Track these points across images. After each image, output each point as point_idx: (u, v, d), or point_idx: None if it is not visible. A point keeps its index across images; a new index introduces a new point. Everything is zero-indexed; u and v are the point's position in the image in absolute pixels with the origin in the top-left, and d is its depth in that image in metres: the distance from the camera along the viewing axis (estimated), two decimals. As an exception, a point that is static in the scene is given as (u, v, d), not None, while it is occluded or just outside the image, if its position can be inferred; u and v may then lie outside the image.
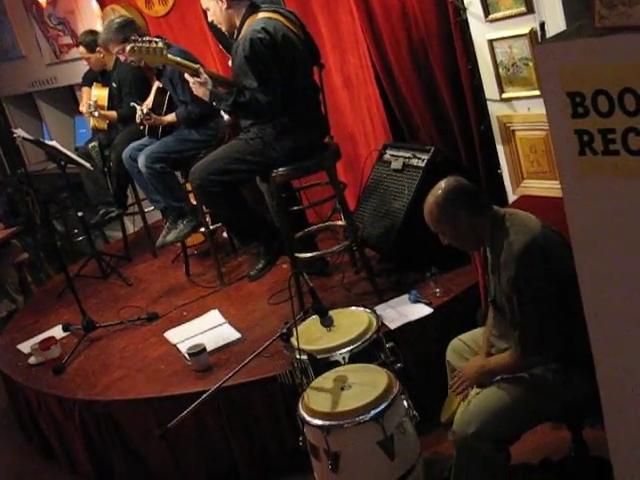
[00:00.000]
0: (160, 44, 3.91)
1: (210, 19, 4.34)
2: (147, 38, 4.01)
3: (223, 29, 4.31)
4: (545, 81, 1.97)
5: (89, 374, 4.54)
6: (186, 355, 4.24)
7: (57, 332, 5.16)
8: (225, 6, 4.16)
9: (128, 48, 3.93)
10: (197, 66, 4.08)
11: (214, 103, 4.06)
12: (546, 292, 2.77)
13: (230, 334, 4.47)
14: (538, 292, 2.77)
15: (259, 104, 4.00)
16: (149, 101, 5.37)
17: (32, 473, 4.70)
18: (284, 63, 4.07)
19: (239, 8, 4.18)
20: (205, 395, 3.24)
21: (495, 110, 4.16)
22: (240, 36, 4.13)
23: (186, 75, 4.10)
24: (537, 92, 3.85)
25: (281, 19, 4.15)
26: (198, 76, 4.03)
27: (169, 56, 4.00)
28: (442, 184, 2.91)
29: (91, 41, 6.03)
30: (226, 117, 5.29)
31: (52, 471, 4.66)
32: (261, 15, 4.13)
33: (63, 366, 4.66)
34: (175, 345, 4.54)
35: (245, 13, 4.18)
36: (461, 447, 2.92)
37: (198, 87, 4.06)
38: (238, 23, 4.20)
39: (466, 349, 3.29)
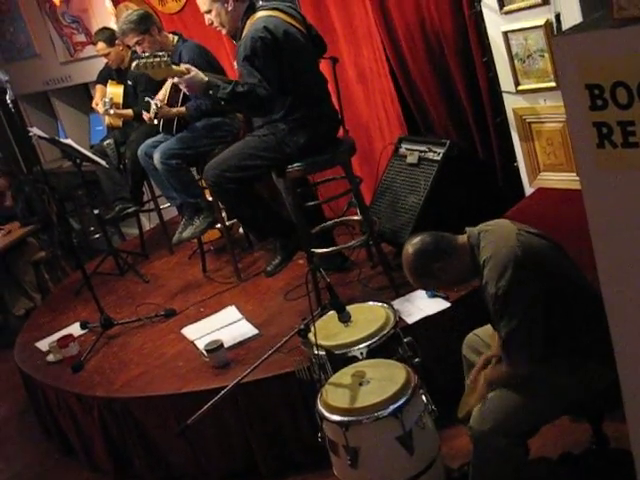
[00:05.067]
0: (165, 57, 3.88)
1: (208, 22, 4.29)
2: (150, 53, 4.00)
3: (224, 32, 4.28)
4: (563, 73, 1.95)
5: (107, 371, 4.55)
6: (204, 351, 4.25)
7: (75, 330, 5.18)
8: (231, 7, 4.15)
9: (133, 65, 3.93)
10: (185, 67, 4.02)
11: (210, 92, 3.99)
12: (529, 300, 2.77)
13: (247, 330, 4.47)
14: (520, 303, 2.77)
15: (258, 97, 3.96)
16: (163, 96, 5.37)
17: (52, 470, 4.73)
18: (288, 60, 4.05)
19: (242, 8, 4.17)
20: (224, 391, 3.24)
21: (511, 102, 4.14)
22: (242, 36, 4.12)
23: (175, 79, 4.06)
24: (553, 84, 3.84)
25: (281, 15, 4.14)
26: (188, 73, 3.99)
27: (174, 67, 3.97)
28: (408, 250, 2.98)
29: (110, 35, 6.06)
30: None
31: (72, 468, 4.68)
32: (261, 14, 4.12)
33: (81, 363, 4.68)
34: (193, 342, 4.55)
35: (245, 13, 4.18)
36: (478, 443, 2.92)
37: (190, 83, 3.98)
38: (240, 24, 4.20)
39: (481, 343, 3.28)
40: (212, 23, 4.27)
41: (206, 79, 3.96)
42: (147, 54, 3.99)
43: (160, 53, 3.94)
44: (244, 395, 3.87)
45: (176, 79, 4.05)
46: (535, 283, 2.77)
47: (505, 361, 2.89)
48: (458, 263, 2.94)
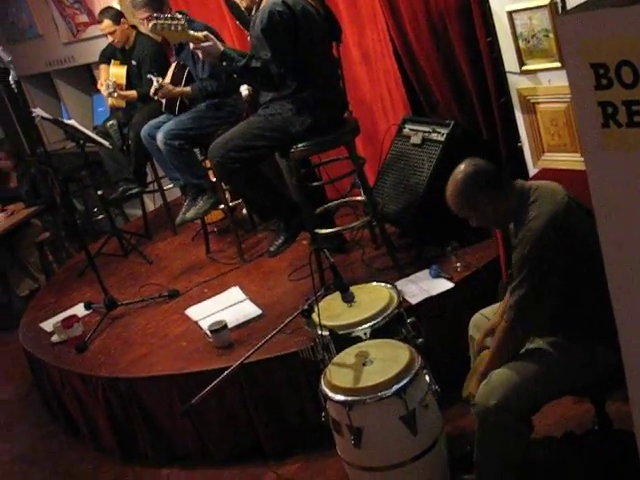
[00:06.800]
0: (182, 21, 3.86)
1: None
2: (169, 15, 3.96)
3: (243, 5, 4.27)
4: (568, 53, 1.94)
5: (111, 352, 4.57)
6: (207, 332, 4.26)
7: (79, 310, 5.19)
8: None
9: (150, 25, 3.91)
10: (203, 34, 4.00)
11: (224, 63, 3.99)
12: (556, 268, 2.76)
13: (251, 311, 4.48)
14: (548, 269, 2.76)
15: (269, 74, 3.97)
16: (167, 78, 5.36)
17: (57, 450, 4.75)
18: (303, 37, 4.03)
19: None
20: (227, 372, 3.25)
21: (515, 83, 4.11)
22: (260, 9, 4.10)
23: (191, 45, 4.04)
24: (558, 64, 3.81)
25: None
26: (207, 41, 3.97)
27: (190, 32, 3.95)
28: (461, 168, 2.87)
29: (115, 13, 6.03)
30: (244, 93, 5.28)
31: (77, 447, 4.70)
32: None
33: (85, 344, 4.69)
34: (196, 322, 4.57)
35: None
36: (483, 419, 2.91)
37: (208, 51, 3.97)
38: None
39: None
40: None
41: (222, 49, 3.96)
42: (165, 15, 3.94)
43: (178, 16, 3.91)
44: (248, 375, 3.88)
45: (192, 45, 4.03)
46: (567, 252, 2.75)
47: (507, 319, 2.87)
48: (503, 205, 2.87)
